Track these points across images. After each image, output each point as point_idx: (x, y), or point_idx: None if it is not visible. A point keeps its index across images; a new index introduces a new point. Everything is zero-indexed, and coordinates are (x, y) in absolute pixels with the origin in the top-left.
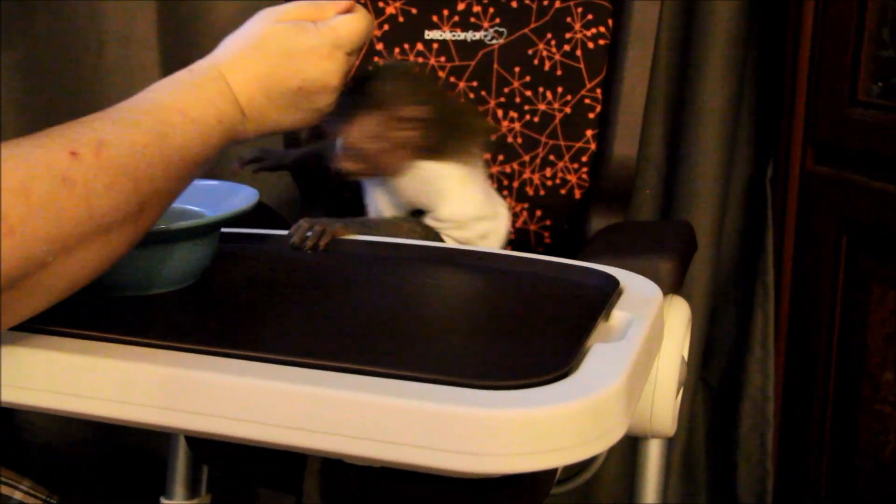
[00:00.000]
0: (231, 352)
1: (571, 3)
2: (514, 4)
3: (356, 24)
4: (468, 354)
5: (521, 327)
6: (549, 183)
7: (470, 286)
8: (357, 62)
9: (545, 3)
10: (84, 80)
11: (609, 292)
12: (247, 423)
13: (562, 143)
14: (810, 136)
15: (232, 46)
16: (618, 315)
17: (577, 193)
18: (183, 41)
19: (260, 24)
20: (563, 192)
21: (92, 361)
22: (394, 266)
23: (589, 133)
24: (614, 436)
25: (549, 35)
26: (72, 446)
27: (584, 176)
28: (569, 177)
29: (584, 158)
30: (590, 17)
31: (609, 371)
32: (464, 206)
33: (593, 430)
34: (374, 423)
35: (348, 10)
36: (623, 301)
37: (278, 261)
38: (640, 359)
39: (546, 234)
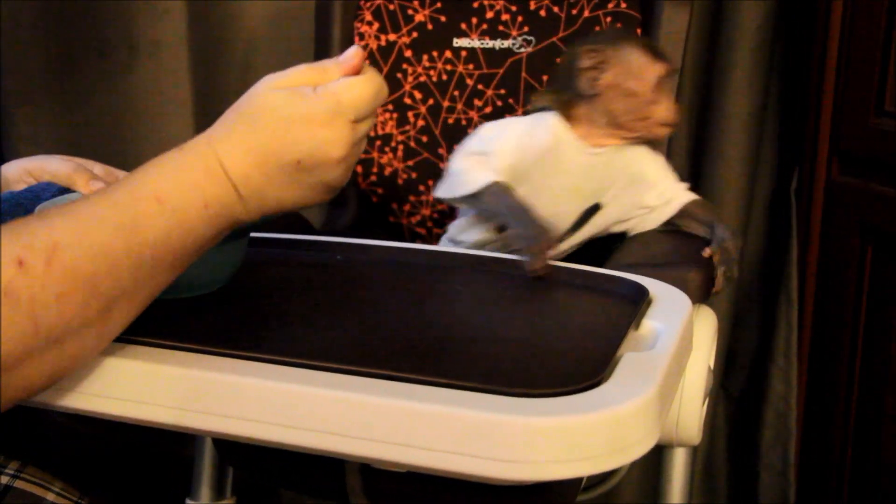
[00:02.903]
0: (262, 356)
1: (600, 13)
2: (543, 13)
3: (362, 88)
4: (502, 362)
5: (553, 335)
6: None
7: (502, 294)
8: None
9: (574, 12)
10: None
11: (639, 301)
12: (277, 426)
13: None
14: (836, 147)
15: (226, 119)
16: (648, 324)
17: None
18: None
19: (255, 93)
20: None
21: (120, 363)
22: (425, 273)
23: None
24: (646, 444)
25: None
26: (99, 448)
27: None
28: None
29: None
30: (618, 26)
31: (641, 380)
32: None
33: (626, 439)
34: (409, 429)
35: (357, 72)
36: (653, 310)
37: (310, 265)
38: (670, 368)
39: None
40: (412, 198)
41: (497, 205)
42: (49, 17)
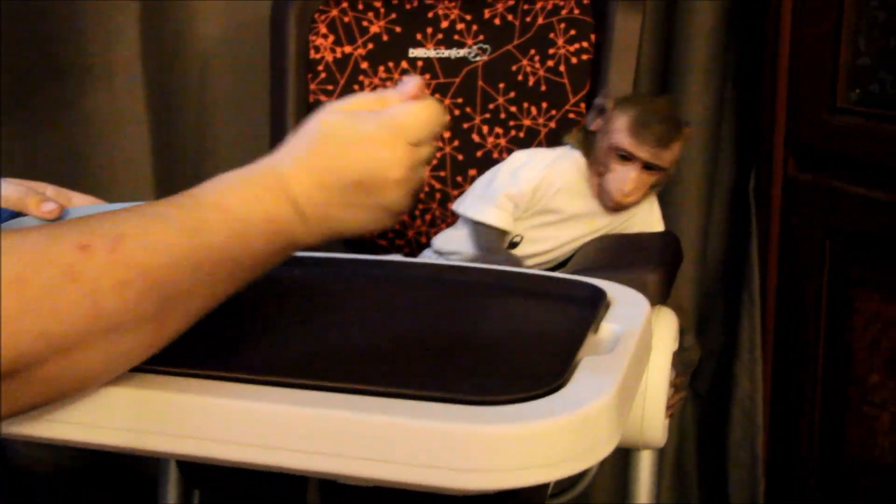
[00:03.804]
0: (216, 374)
1: (554, 20)
2: (498, 21)
3: (421, 114)
4: (460, 370)
5: (511, 342)
6: None
7: (459, 301)
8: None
9: (528, 19)
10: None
11: (597, 305)
12: (238, 445)
13: None
14: (792, 144)
15: (291, 142)
16: (607, 328)
17: None
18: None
19: (319, 116)
20: None
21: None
22: (385, 284)
23: None
24: (606, 448)
25: (532, 51)
26: (62, 471)
27: None
28: None
29: None
30: (572, 32)
31: (600, 384)
32: None
33: (586, 443)
34: (368, 442)
35: (415, 99)
36: (611, 313)
37: (267, 280)
38: (629, 371)
39: None
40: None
41: (479, 241)
42: (1, 41)
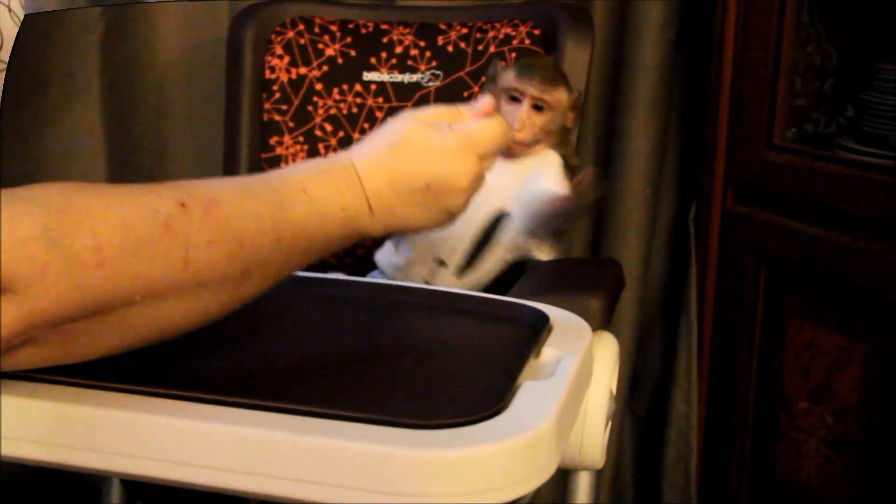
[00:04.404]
0: (147, 389)
1: (505, 49)
2: (451, 49)
3: (492, 130)
4: (399, 392)
5: (451, 364)
6: None
7: (399, 322)
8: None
9: (480, 48)
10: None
11: (539, 329)
12: (178, 465)
13: None
14: (731, 178)
15: (367, 141)
16: (548, 352)
17: None
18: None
19: (397, 123)
20: None
21: (14, 402)
22: (325, 303)
23: None
24: (546, 473)
25: (483, 78)
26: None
27: None
28: None
29: None
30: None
31: (540, 409)
32: None
33: (526, 468)
34: (305, 464)
35: (487, 116)
36: (553, 338)
37: None
38: (569, 396)
39: None
40: None
41: None
42: None
